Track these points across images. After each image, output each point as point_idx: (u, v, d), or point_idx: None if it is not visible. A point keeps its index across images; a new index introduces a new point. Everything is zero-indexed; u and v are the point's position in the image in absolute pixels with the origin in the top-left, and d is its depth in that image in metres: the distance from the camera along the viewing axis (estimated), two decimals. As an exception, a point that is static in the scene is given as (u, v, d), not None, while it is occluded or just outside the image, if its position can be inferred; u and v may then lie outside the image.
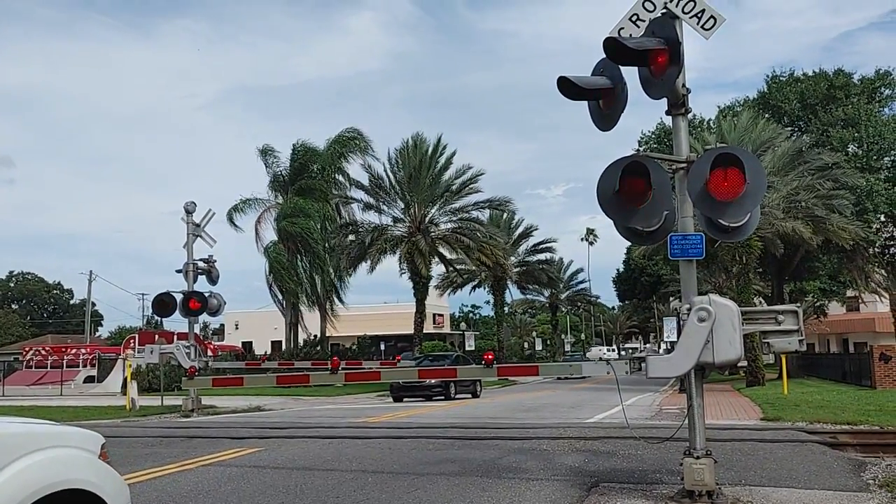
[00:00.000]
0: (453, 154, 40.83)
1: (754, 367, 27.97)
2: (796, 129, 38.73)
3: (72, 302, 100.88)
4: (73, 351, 49.43)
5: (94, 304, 79.64)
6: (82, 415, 20.40)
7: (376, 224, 40.24)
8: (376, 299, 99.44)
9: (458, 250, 40.56)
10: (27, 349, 54.35)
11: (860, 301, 53.10)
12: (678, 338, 6.63)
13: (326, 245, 41.66)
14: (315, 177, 42.59)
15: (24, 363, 50.31)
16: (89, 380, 43.39)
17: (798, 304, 7.76)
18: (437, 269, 45.05)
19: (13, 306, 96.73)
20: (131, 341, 34.07)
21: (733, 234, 7.35)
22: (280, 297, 42.70)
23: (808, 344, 49.17)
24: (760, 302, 39.34)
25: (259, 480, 8.46)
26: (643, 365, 6.80)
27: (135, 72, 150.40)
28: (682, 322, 6.62)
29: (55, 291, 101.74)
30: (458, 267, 47.76)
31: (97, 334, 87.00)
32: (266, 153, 42.96)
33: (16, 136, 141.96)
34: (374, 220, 40.62)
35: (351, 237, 40.56)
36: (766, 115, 34.90)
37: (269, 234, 43.25)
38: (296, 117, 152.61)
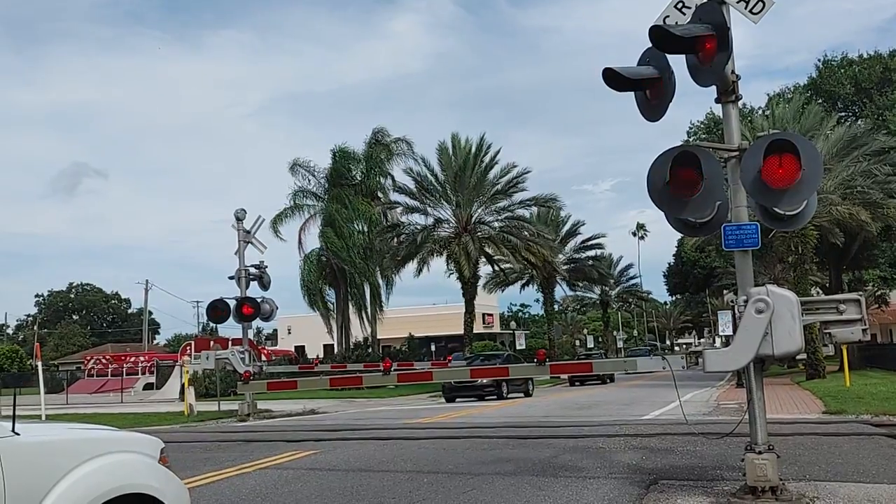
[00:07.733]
0: (497, 152, 40.27)
1: (814, 360, 27.24)
2: (850, 113, 37.68)
3: (129, 311, 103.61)
4: (132, 359, 50.86)
5: (151, 313, 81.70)
6: (142, 421, 20.81)
7: (424, 225, 40.18)
8: (423, 301, 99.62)
9: (505, 250, 40.24)
10: (88, 358, 56.11)
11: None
12: (734, 331, 6.47)
13: (372, 247, 41.92)
14: (356, 181, 42.91)
15: (86, 372, 51.92)
16: (148, 387, 44.51)
17: (860, 293, 7.51)
18: (486, 268, 44.92)
19: (74, 317, 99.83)
20: (188, 348, 34.70)
21: (789, 223, 7.14)
22: (321, 302, 43.23)
23: (870, 334, 47.70)
24: (818, 292, 38.32)
25: (316, 482, 8.52)
26: (699, 360, 6.66)
27: (184, 84, 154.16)
28: (738, 315, 6.45)
29: (113, 301, 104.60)
30: (505, 266, 47.48)
31: (155, 342, 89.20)
32: (297, 167, 43.57)
33: (75, 150, 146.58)
34: (419, 221, 40.58)
35: (398, 238, 40.55)
36: (819, 101, 34.01)
37: (312, 242, 43.85)
38: (340, 122, 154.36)
